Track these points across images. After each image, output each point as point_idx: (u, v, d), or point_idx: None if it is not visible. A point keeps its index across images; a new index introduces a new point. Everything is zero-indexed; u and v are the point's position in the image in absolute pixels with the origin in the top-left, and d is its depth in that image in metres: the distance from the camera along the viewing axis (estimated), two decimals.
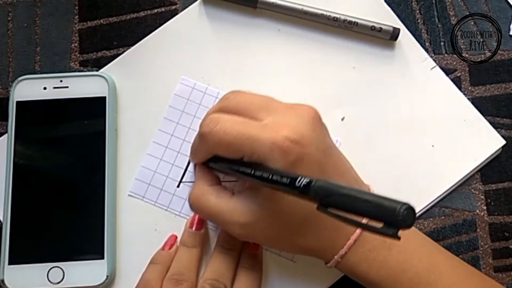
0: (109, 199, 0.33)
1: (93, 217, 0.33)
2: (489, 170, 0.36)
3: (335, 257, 0.28)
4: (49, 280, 0.32)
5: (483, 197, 0.35)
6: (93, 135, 0.34)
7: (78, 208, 0.33)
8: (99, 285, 0.32)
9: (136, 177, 0.35)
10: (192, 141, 0.35)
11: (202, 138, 0.29)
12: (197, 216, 0.34)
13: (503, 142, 0.35)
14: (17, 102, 0.34)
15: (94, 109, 0.34)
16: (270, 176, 0.25)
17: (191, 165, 0.35)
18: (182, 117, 0.36)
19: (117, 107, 0.36)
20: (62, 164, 0.34)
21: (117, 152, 0.35)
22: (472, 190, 0.35)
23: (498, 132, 0.36)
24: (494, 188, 0.35)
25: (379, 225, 0.19)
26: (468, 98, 0.36)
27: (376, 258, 0.28)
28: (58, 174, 0.34)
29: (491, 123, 0.36)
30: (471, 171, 0.35)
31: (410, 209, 0.18)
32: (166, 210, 0.34)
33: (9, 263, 0.32)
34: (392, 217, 0.18)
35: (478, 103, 0.36)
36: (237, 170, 0.28)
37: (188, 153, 0.35)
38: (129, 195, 0.35)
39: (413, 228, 0.30)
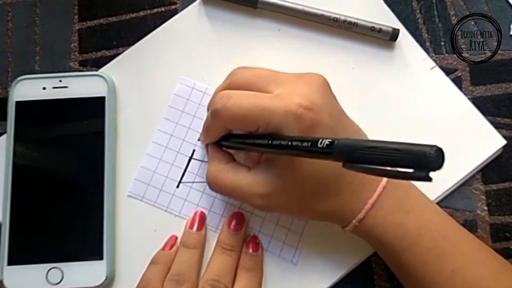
0: (108, 200, 0.33)
1: (92, 218, 0.33)
2: (490, 170, 0.35)
3: (353, 221, 0.28)
4: (48, 281, 0.32)
5: (484, 197, 0.35)
6: (93, 135, 0.34)
7: (77, 208, 0.33)
8: (98, 285, 0.32)
9: (135, 177, 0.35)
10: (191, 139, 0.35)
11: (215, 114, 0.29)
12: (197, 217, 0.33)
13: (504, 142, 0.35)
14: (17, 102, 0.34)
15: (93, 109, 0.34)
16: (290, 143, 0.25)
17: (191, 165, 0.35)
18: (182, 117, 0.36)
19: (116, 107, 0.36)
20: (61, 164, 0.34)
21: (116, 152, 0.35)
22: (473, 190, 0.35)
23: (499, 132, 0.35)
24: (495, 188, 0.35)
25: (409, 171, 0.19)
26: (469, 98, 0.36)
27: (394, 221, 0.28)
28: (57, 174, 0.34)
29: (491, 123, 0.36)
30: (471, 171, 0.35)
31: (439, 150, 0.18)
32: (165, 210, 0.34)
33: (8, 264, 0.32)
34: (422, 161, 0.18)
35: (479, 103, 0.36)
36: (253, 144, 0.28)
37: (189, 153, 0.35)
38: (128, 195, 0.35)
39: (429, 198, 0.31)
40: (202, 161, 0.35)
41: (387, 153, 0.19)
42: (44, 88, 0.35)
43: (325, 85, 0.29)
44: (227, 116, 0.28)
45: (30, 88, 0.35)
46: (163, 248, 0.33)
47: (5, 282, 0.32)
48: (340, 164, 0.27)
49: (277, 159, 0.28)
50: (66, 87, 0.35)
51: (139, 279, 0.32)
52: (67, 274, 0.32)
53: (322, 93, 0.28)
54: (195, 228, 0.33)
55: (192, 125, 0.35)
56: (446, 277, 0.28)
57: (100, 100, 0.34)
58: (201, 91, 0.36)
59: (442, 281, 0.28)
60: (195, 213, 0.34)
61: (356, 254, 0.34)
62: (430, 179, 0.18)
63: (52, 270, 0.32)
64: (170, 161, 0.35)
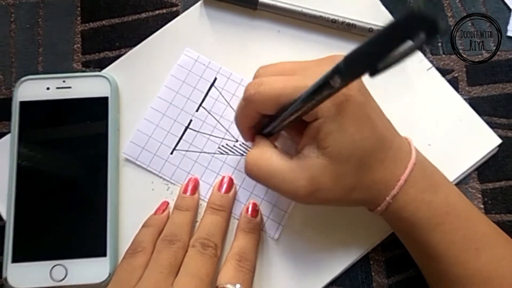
0: (112, 198, 0.34)
1: (96, 216, 0.33)
2: (486, 169, 0.36)
3: (387, 198, 0.29)
4: (52, 278, 0.32)
5: (480, 196, 0.36)
6: (96, 135, 0.35)
7: (80, 206, 0.34)
8: (101, 282, 0.32)
9: (131, 139, 0.36)
10: (189, 109, 0.35)
11: (248, 100, 0.29)
12: (191, 182, 0.34)
13: (499, 141, 0.36)
14: (20, 102, 0.35)
15: (96, 109, 0.35)
16: (310, 90, 0.25)
17: (186, 134, 0.36)
18: (182, 87, 0.36)
19: (119, 107, 0.36)
20: (64, 163, 0.35)
21: (119, 152, 0.35)
22: (469, 189, 0.36)
23: (495, 131, 0.36)
24: (491, 187, 0.36)
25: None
26: (465, 98, 0.37)
27: (424, 200, 0.29)
28: (61, 173, 0.34)
29: (488, 123, 0.36)
30: (467, 170, 0.35)
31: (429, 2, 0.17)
32: (157, 175, 0.35)
33: (13, 261, 0.33)
34: (414, 14, 0.16)
35: (475, 103, 0.37)
36: (285, 115, 0.28)
37: (185, 123, 0.36)
38: (123, 156, 0.35)
39: (452, 184, 0.31)
40: (198, 131, 0.36)
41: (386, 31, 0.18)
42: (47, 89, 0.35)
43: None
44: (261, 100, 0.28)
45: (34, 89, 0.35)
46: (155, 213, 0.34)
47: (9, 280, 0.32)
48: (373, 142, 0.28)
49: (317, 141, 0.28)
50: (69, 87, 0.35)
51: (131, 242, 0.32)
52: (71, 271, 0.33)
53: None
54: (188, 192, 0.34)
55: (192, 96, 0.36)
56: (470, 255, 0.29)
57: (103, 101, 0.35)
58: (204, 64, 0.37)
59: (466, 260, 0.29)
60: (189, 179, 0.35)
61: (354, 251, 0.34)
62: (434, 34, 0.16)
63: (56, 267, 0.33)
64: (167, 128, 0.36)
